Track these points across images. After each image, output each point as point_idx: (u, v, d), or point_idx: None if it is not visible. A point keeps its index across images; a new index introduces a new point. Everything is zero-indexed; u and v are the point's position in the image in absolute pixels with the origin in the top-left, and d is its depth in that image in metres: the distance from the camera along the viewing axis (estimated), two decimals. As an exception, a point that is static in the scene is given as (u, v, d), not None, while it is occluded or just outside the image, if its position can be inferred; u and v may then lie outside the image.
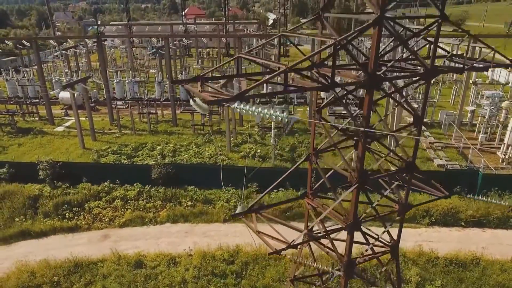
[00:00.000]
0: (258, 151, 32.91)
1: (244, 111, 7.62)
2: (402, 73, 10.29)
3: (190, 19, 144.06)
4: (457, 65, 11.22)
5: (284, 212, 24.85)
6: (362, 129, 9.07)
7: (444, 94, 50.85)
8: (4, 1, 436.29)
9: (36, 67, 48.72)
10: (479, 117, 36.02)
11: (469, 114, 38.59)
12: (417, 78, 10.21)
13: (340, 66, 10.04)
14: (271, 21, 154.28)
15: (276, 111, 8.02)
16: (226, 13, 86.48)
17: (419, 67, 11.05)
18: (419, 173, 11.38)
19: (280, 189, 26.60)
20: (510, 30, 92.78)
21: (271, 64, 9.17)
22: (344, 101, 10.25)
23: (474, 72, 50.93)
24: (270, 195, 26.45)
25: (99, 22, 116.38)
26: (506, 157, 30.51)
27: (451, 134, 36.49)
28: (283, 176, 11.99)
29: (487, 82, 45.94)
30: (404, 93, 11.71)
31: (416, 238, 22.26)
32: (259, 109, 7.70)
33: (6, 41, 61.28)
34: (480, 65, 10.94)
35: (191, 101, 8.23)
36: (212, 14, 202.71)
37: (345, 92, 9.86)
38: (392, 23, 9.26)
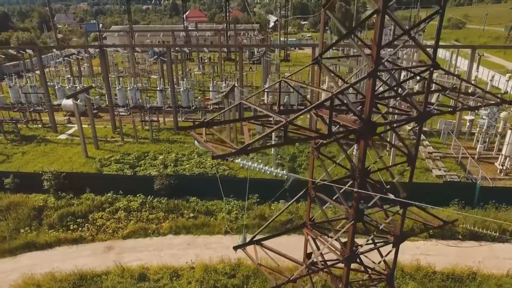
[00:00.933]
0: (259, 161, 33.29)
1: (247, 167, 8.08)
2: (396, 117, 10.75)
3: (191, 22, 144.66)
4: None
5: (284, 224, 25.29)
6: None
7: (444, 101, 51.26)
8: (5, 2, 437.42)
9: (38, 71, 49.26)
10: (478, 126, 36.43)
11: (468, 123, 38.99)
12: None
13: (337, 109, 10.46)
14: (272, 24, 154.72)
15: (277, 169, 8.57)
16: (227, 18, 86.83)
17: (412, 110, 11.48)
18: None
19: (281, 200, 27.04)
20: (511, 34, 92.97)
21: (272, 116, 9.52)
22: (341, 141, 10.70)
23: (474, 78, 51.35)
24: (270, 207, 26.92)
25: (101, 25, 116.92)
26: (504, 168, 30.90)
27: (450, 143, 36.91)
28: (279, 213, 12.47)
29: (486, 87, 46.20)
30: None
31: (414, 252, 22.69)
32: (261, 166, 8.15)
33: (10, 50, 61.34)
34: (471, 105, 11.35)
35: (196, 142, 8.71)
36: (213, 16, 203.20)
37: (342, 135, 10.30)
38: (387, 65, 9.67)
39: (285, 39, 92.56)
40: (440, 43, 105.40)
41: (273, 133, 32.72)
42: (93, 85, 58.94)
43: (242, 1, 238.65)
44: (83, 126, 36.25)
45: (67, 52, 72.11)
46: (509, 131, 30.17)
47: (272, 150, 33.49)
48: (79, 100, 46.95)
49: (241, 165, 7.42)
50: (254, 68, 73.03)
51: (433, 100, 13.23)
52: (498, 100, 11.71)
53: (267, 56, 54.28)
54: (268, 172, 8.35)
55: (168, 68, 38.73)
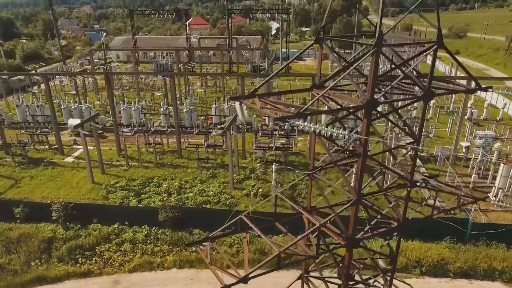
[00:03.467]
0: (260, 190, 34.44)
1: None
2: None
3: (194, 29, 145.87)
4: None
5: (283, 260, 26.33)
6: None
7: (442, 121, 52.28)
8: (9, 4, 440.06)
9: (43, 85, 50.46)
10: (473, 154, 37.39)
11: (464, 149, 39.95)
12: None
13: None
14: (274, 31, 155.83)
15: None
16: (229, 29, 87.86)
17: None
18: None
19: (280, 235, 28.06)
20: (511, 46, 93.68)
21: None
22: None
23: (471, 99, 52.27)
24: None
25: (104, 35, 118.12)
26: (497, 199, 31.90)
27: (445, 170, 37.89)
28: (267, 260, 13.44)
29: (482, 116, 47.26)
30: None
31: (407, 289, 23.71)
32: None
33: (19, 76, 62.54)
34: (448, 208, 12.39)
35: (237, 104, 9.46)
36: (215, 21, 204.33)
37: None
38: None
39: (287, 49, 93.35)
40: (442, 54, 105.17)
41: (274, 169, 33.94)
42: (98, 102, 60.29)
43: (244, 7, 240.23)
44: (88, 147, 37.28)
45: (72, 69, 73.50)
46: (501, 165, 31.15)
47: (273, 178, 34.52)
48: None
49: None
50: (256, 83, 74.10)
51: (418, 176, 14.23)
52: (473, 199, 12.73)
53: (268, 75, 55.41)
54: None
55: (173, 95, 39.82)
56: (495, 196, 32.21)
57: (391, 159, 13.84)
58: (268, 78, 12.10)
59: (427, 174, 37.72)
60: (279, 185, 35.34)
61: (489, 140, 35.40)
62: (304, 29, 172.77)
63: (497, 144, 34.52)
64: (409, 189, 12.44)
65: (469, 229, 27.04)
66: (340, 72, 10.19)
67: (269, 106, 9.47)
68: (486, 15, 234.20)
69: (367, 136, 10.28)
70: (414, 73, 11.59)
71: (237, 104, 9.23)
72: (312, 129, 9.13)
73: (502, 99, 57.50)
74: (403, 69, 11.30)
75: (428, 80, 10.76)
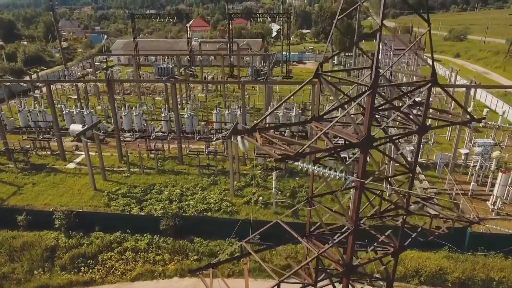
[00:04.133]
0: (261, 198, 34.73)
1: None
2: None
3: (194, 31, 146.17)
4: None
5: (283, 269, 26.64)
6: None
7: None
8: (10, 4, 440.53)
9: (44, 89, 50.78)
10: (472, 162, 37.66)
11: (463, 157, 40.22)
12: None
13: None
14: (274, 33, 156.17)
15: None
16: (231, 32, 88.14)
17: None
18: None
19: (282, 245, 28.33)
20: (511, 49, 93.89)
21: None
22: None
23: (471, 105, 52.58)
24: (272, 251, 28.30)
25: (105, 37, 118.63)
26: (495, 208, 32.19)
27: (445, 177, 38.18)
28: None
29: (481, 124, 47.40)
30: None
31: (406, 299, 24.04)
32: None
33: (21, 83, 62.90)
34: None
35: (238, 138, 9.96)
36: (216, 22, 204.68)
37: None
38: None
39: (288, 52, 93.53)
40: (442, 57, 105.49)
41: (274, 179, 34.19)
42: (99, 107, 60.62)
43: (245, 8, 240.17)
44: (90, 153, 37.55)
45: (74, 72, 73.82)
46: (499, 174, 31.43)
47: (273, 186, 34.82)
48: (85, 127, 48.62)
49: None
50: (257, 87, 74.41)
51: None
52: (467, 223, 13.03)
53: (269, 78, 55.70)
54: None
55: (174, 102, 40.14)
56: (493, 205, 32.50)
57: (387, 187, 14.23)
58: (266, 114, 12.41)
59: (426, 182, 38.07)
60: (279, 192, 35.68)
61: (488, 148, 35.67)
62: (304, 31, 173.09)
63: (496, 153, 34.78)
64: (404, 217, 12.76)
65: (467, 239, 27.30)
66: (338, 107, 10.52)
67: (271, 140, 9.82)
68: (487, 17, 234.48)
69: (364, 167, 10.60)
70: (411, 101, 11.97)
71: (238, 138, 9.59)
72: (310, 169, 9.45)
73: (501, 104, 57.79)
74: (401, 102, 11.68)
75: (423, 116, 11.19)
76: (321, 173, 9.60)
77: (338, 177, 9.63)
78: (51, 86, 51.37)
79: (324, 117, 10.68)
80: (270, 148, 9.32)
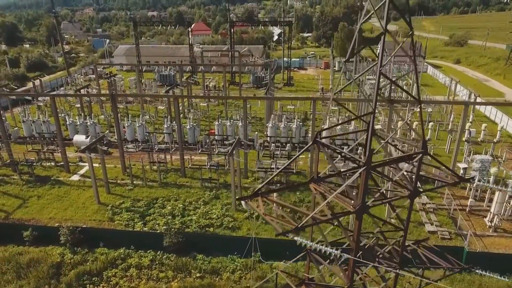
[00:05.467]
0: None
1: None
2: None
3: (196, 35, 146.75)
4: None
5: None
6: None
7: (441, 137, 53.08)
8: (12, 5, 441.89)
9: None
10: (471, 178, 38.12)
11: (461, 171, 40.74)
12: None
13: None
14: (276, 37, 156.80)
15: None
16: (232, 39, 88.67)
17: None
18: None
19: (283, 261, 28.96)
20: (511, 56, 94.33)
21: None
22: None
23: (470, 118, 53.09)
24: (272, 266, 28.90)
25: (107, 42, 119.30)
26: (493, 224, 32.75)
27: (443, 192, 38.74)
28: None
29: (479, 138, 48.04)
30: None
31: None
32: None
33: (26, 97, 63.53)
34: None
35: (243, 202, 10.62)
36: (217, 26, 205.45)
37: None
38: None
39: (289, 58, 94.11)
40: (443, 63, 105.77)
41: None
42: (102, 116, 61.20)
43: (246, 11, 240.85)
44: (94, 164, 38.11)
45: (77, 79, 74.45)
46: (497, 192, 31.98)
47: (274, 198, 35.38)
48: (89, 138, 49.29)
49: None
50: (258, 94, 74.97)
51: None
52: (459, 268, 13.62)
53: (270, 92, 56.24)
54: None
55: (177, 116, 40.76)
56: (491, 221, 33.06)
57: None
58: (265, 181, 13.00)
59: (425, 197, 38.58)
60: (279, 208, 36.22)
61: (486, 164, 36.21)
62: (305, 34, 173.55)
63: (493, 169, 35.33)
64: (398, 271, 13.33)
65: (464, 258, 27.85)
66: (336, 175, 11.13)
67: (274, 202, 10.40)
68: (488, 19, 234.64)
69: (358, 232, 11.26)
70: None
71: (243, 202, 10.22)
72: (308, 245, 10.03)
73: (500, 115, 58.30)
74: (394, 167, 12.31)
75: (414, 182, 11.82)
76: (318, 249, 10.19)
77: (333, 253, 10.21)
78: (55, 91, 52.00)
79: (323, 177, 11.29)
80: (271, 219, 9.89)
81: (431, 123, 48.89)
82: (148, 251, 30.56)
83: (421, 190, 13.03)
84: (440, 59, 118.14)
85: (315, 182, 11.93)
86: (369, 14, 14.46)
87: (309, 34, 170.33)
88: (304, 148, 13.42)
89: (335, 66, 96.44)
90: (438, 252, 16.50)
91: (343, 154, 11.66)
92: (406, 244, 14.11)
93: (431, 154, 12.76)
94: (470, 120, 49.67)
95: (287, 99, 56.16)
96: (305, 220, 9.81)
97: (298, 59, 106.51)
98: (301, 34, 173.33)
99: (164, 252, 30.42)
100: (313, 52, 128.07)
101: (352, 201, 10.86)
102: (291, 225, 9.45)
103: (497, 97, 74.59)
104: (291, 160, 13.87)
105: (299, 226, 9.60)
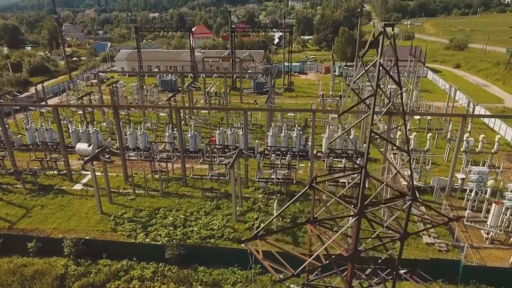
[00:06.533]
0: (262, 224, 35.84)
1: None
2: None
3: (197, 38, 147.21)
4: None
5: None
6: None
7: (440, 146, 53.54)
8: (13, 6, 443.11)
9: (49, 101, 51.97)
10: (468, 189, 38.66)
11: (459, 181, 41.27)
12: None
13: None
14: (276, 40, 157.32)
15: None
16: (233, 45, 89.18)
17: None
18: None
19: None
20: (511, 61, 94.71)
21: None
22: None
23: (468, 127, 53.55)
24: (271, 278, 29.44)
25: (109, 46, 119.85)
26: (489, 236, 33.26)
27: (441, 202, 39.22)
28: None
29: (477, 149, 48.49)
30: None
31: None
32: None
33: (30, 108, 64.11)
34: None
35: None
36: (219, 27, 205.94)
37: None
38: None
39: (289, 62, 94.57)
40: (443, 67, 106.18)
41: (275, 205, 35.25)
42: (105, 124, 61.75)
43: (247, 13, 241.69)
44: (96, 173, 38.58)
45: (79, 85, 75.00)
46: (493, 204, 32.50)
47: (274, 209, 35.92)
48: (91, 146, 49.87)
49: None
50: (259, 102, 75.49)
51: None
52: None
53: (270, 101, 56.76)
54: None
55: (178, 126, 41.31)
56: (487, 233, 33.57)
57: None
58: (264, 225, 13.45)
59: (423, 207, 39.06)
60: (280, 218, 36.85)
61: (483, 176, 36.71)
62: (306, 37, 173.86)
63: (490, 182, 35.82)
64: None
65: (460, 271, 28.37)
66: (332, 218, 11.70)
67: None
68: (489, 22, 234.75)
69: (351, 278, 11.84)
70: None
71: (243, 245, 10.71)
72: None
73: (499, 122, 58.74)
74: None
75: (404, 225, 12.34)
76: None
77: None
78: (57, 97, 52.59)
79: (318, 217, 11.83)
80: (269, 265, 10.43)
81: (429, 134, 49.32)
82: (150, 263, 31.10)
83: (411, 232, 13.55)
84: (440, 63, 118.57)
85: (312, 224, 12.47)
86: (367, 48, 14.86)
87: (310, 37, 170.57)
88: (300, 193, 13.99)
89: (335, 71, 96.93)
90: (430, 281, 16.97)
91: (339, 196, 12.21)
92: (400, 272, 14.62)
93: (420, 199, 13.32)
94: (469, 129, 50.10)
95: (288, 111, 56.82)
96: (301, 267, 10.34)
97: (298, 64, 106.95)
98: (301, 37, 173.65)
99: (166, 264, 30.95)
100: (313, 56, 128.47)
101: (346, 245, 11.45)
102: (288, 271, 10.02)
103: (497, 103, 75.04)
104: (287, 205, 14.21)
105: (295, 273, 10.15)
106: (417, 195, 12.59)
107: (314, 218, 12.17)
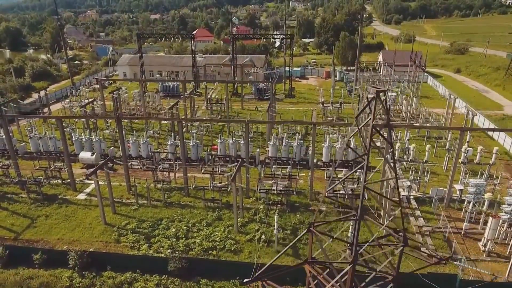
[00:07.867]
0: (263, 237, 36.48)
1: None
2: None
3: (198, 41, 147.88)
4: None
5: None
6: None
7: (439, 155, 54.06)
8: (15, 7, 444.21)
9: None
10: (466, 200, 39.21)
11: (458, 192, 41.82)
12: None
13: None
14: (277, 43, 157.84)
15: None
16: (234, 52, 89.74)
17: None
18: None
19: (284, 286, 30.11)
20: (511, 66, 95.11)
21: None
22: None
23: (464, 149, 54.09)
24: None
25: (111, 49, 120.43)
26: (486, 249, 33.85)
27: (439, 213, 39.80)
28: None
29: (475, 160, 48.98)
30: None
31: None
32: None
33: (34, 119, 64.65)
34: None
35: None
36: (220, 30, 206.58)
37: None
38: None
39: (290, 67, 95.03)
40: (443, 72, 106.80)
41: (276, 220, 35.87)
42: (107, 131, 62.43)
43: (248, 14, 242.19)
44: (100, 183, 39.17)
45: (81, 92, 75.61)
46: (490, 218, 33.08)
47: (275, 221, 36.51)
48: (94, 155, 50.57)
49: None
50: (260, 106, 76.11)
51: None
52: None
53: (272, 110, 57.36)
54: None
55: (180, 138, 41.94)
56: (484, 246, 34.15)
57: None
58: (265, 266, 14.01)
59: (422, 218, 39.67)
60: (280, 230, 37.42)
61: (481, 189, 37.27)
62: (307, 40, 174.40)
63: (488, 194, 36.39)
64: None
65: (457, 285, 28.94)
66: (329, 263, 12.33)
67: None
68: (490, 23, 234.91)
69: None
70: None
71: (245, 280, 11.37)
72: None
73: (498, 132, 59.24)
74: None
75: (397, 267, 12.94)
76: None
77: None
78: (60, 103, 53.20)
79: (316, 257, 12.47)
80: None
81: (428, 146, 49.84)
82: (153, 275, 31.73)
83: (404, 273, 14.22)
84: (440, 67, 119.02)
85: (310, 264, 13.09)
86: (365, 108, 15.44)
87: (311, 40, 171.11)
88: (297, 238, 14.63)
89: (336, 76, 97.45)
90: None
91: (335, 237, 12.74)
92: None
93: (410, 246, 13.96)
94: (468, 139, 50.61)
95: (288, 123, 57.49)
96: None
97: (299, 68, 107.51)
98: (303, 39, 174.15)
99: (169, 277, 31.58)
100: (314, 60, 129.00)
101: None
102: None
103: (496, 110, 75.52)
104: (289, 245, 14.81)
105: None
106: (408, 241, 13.26)
107: (312, 259, 12.79)
